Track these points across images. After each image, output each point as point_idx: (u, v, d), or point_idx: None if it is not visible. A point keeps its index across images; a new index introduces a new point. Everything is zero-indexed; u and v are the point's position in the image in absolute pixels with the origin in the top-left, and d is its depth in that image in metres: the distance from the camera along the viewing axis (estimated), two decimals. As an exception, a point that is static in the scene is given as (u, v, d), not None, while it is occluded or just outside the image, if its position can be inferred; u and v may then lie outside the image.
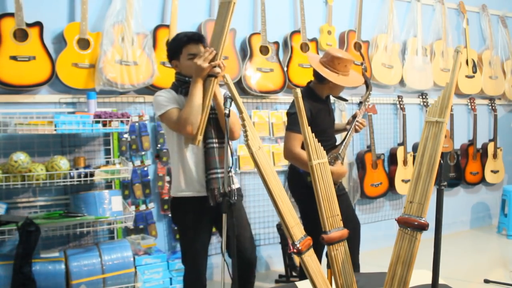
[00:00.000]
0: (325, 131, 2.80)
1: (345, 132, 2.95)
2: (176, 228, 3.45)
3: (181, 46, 2.34)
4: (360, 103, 2.99)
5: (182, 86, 2.35)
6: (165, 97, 2.31)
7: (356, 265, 2.88)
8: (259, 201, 3.87)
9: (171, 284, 3.16)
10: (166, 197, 3.42)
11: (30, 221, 2.61)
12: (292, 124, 2.71)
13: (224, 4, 2.29)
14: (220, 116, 2.33)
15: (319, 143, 1.98)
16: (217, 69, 2.26)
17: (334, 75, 2.74)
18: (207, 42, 2.39)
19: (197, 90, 2.24)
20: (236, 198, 2.36)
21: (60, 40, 3.09)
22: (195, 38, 2.34)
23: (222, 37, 2.28)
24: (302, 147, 2.65)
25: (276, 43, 3.85)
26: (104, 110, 3.00)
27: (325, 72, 2.73)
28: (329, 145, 2.79)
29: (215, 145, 2.32)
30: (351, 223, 2.81)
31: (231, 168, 2.22)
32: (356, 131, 2.95)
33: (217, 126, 2.35)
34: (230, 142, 2.15)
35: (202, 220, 2.35)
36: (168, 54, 2.42)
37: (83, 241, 3.15)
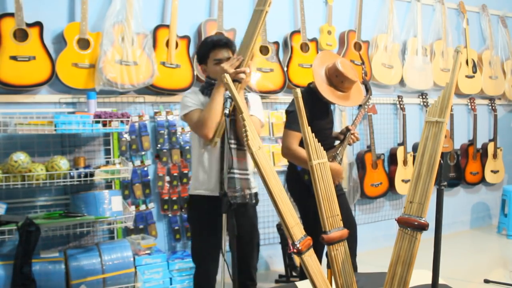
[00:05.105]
0: (323, 132, 2.79)
1: (341, 136, 2.97)
2: (175, 228, 3.47)
3: (208, 51, 2.39)
4: (360, 106, 2.99)
5: (208, 87, 2.39)
6: (191, 99, 2.38)
7: (353, 267, 2.87)
8: (259, 201, 3.86)
9: (171, 284, 3.16)
10: (166, 197, 3.42)
11: (30, 221, 2.62)
12: (290, 122, 2.72)
13: (257, 12, 2.33)
14: (238, 119, 2.34)
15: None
16: (242, 75, 2.28)
17: (329, 91, 2.72)
18: (235, 46, 2.43)
19: (219, 96, 2.27)
20: (253, 201, 2.40)
21: (60, 40, 3.09)
22: (221, 43, 2.38)
23: (250, 45, 2.32)
24: (300, 145, 2.65)
25: (276, 43, 3.85)
26: (104, 110, 3.00)
27: (321, 87, 2.72)
28: (326, 145, 2.79)
29: (233, 146, 2.33)
30: (347, 224, 2.81)
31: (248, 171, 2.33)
32: (349, 144, 2.96)
33: (236, 127, 2.36)
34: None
35: (215, 220, 2.27)
36: (197, 59, 2.48)
37: (83, 241, 3.15)
